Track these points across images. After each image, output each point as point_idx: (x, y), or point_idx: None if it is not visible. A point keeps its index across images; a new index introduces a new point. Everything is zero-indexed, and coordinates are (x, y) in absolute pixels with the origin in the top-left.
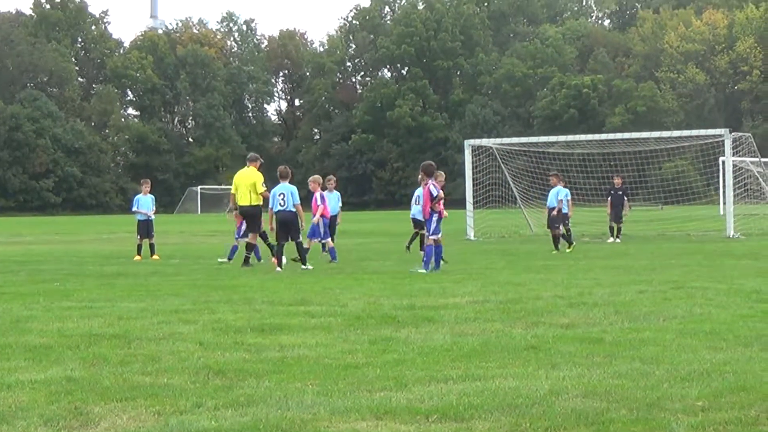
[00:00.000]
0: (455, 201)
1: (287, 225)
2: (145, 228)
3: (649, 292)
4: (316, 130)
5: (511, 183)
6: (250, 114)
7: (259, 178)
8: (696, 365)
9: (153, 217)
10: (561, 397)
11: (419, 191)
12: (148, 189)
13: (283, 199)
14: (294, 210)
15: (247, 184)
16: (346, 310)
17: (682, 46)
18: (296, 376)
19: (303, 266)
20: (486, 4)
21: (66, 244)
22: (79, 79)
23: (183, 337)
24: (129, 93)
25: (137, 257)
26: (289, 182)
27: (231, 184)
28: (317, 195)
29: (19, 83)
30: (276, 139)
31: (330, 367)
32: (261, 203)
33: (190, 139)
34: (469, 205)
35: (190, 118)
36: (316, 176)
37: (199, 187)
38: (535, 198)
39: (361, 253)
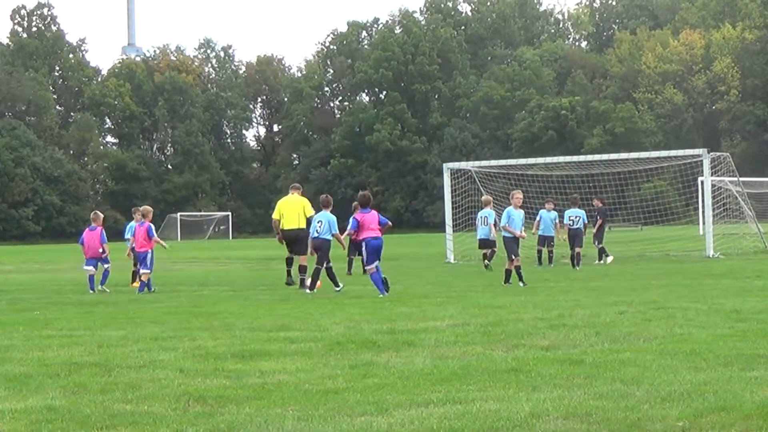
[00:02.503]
0: (435, 224)
1: (320, 251)
2: (136, 254)
3: (630, 313)
4: (294, 156)
5: None
6: (229, 140)
7: (307, 202)
8: (676, 385)
9: None
10: (542, 420)
11: (482, 213)
12: (140, 217)
13: (320, 227)
14: (327, 238)
15: (295, 208)
16: (326, 335)
17: (660, 66)
18: (277, 401)
19: (309, 290)
20: (463, 27)
21: (46, 273)
22: (57, 107)
23: (163, 364)
24: (107, 121)
25: (136, 284)
26: (330, 211)
27: (210, 210)
28: (152, 227)
29: None
30: (255, 165)
31: (310, 392)
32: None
33: (169, 166)
34: (449, 228)
35: (169, 145)
36: (147, 207)
37: (178, 213)
38: None
39: (342, 278)
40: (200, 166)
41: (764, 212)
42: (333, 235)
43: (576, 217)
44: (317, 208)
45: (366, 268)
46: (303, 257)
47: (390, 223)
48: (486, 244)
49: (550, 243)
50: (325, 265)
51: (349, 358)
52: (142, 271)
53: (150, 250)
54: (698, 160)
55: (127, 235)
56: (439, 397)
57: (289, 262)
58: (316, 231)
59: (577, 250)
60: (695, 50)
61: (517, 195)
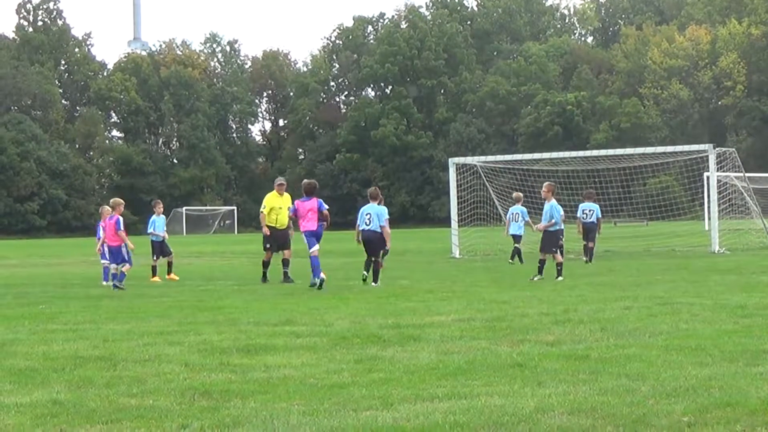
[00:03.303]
0: (441, 219)
1: (371, 243)
2: (159, 248)
3: (635, 308)
4: (300, 150)
5: (495, 201)
6: (235, 135)
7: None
8: (681, 381)
9: (167, 236)
10: (547, 415)
11: (514, 209)
12: (161, 209)
13: (369, 219)
14: (379, 230)
15: None
16: (331, 330)
17: (666, 62)
18: (282, 396)
19: (374, 284)
20: (469, 22)
21: (51, 267)
22: (63, 101)
23: (169, 358)
24: (113, 115)
25: (155, 278)
26: (378, 203)
27: (216, 205)
28: (120, 220)
29: (2, 106)
30: (260, 160)
31: (315, 386)
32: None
33: (175, 161)
34: (454, 223)
35: (175, 139)
36: (117, 199)
37: (184, 208)
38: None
39: (347, 273)
40: (206, 160)
41: None
42: (381, 227)
43: (590, 210)
44: (364, 201)
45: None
46: (286, 252)
47: (326, 212)
48: (519, 240)
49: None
50: (374, 258)
51: (354, 352)
52: (122, 266)
53: (123, 244)
54: (704, 156)
55: (150, 229)
56: (444, 391)
57: (285, 263)
58: (365, 223)
59: (590, 244)
60: (701, 46)
61: (542, 188)
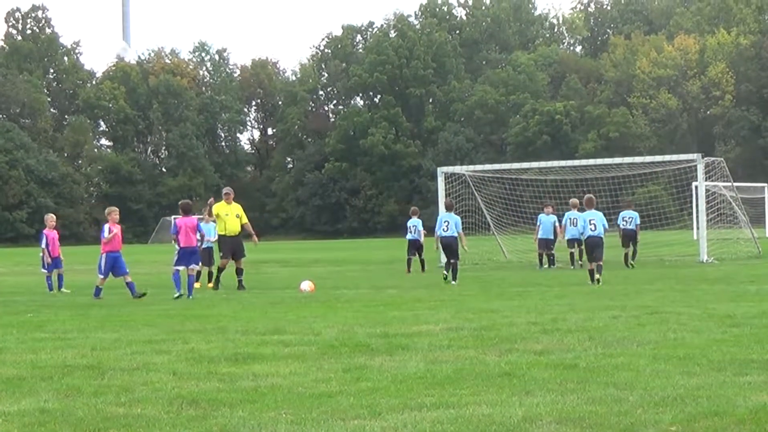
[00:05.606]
0: (429, 228)
1: (449, 247)
2: (207, 255)
3: (623, 318)
4: (289, 159)
5: (484, 210)
6: (223, 143)
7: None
8: (670, 390)
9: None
10: (535, 424)
11: (571, 215)
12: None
13: (447, 227)
14: (456, 235)
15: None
16: (319, 339)
17: (654, 71)
18: (270, 405)
19: (453, 282)
20: (458, 31)
21: (39, 275)
22: (52, 110)
23: (156, 367)
24: (102, 123)
25: (210, 285)
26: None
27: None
28: (106, 228)
29: None
30: (249, 168)
31: (304, 396)
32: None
33: (164, 169)
34: (443, 232)
35: (163, 148)
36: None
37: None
38: (509, 225)
39: (336, 281)
40: (194, 169)
41: (758, 217)
42: (458, 233)
43: (629, 218)
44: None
45: (173, 267)
46: (240, 260)
47: (203, 233)
48: (572, 244)
49: (550, 246)
50: (453, 260)
51: (342, 361)
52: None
53: (103, 254)
54: (692, 165)
55: (207, 236)
56: (432, 401)
57: (238, 272)
58: (443, 230)
59: (633, 248)
60: (690, 55)
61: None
